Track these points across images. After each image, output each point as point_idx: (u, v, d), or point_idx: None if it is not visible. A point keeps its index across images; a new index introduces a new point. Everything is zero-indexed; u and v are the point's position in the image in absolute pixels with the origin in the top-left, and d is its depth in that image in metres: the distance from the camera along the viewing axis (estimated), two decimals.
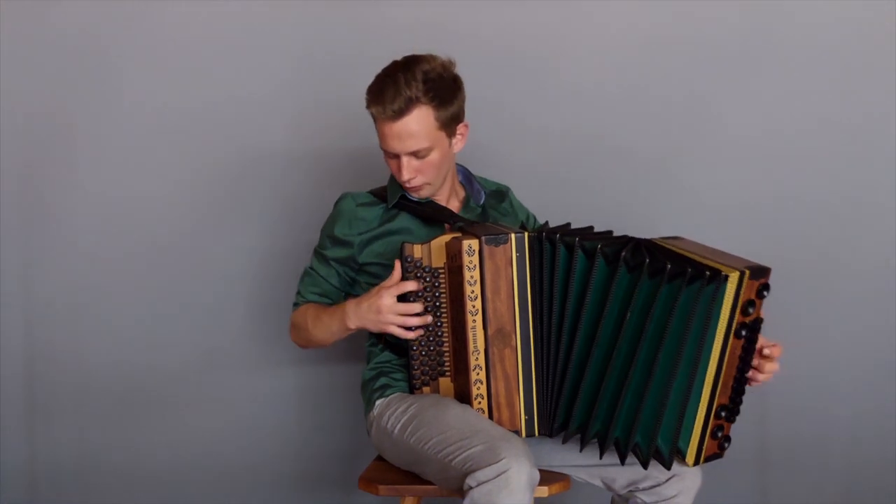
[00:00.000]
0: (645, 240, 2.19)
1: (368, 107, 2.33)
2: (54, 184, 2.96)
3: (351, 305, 2.31)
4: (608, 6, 2.96)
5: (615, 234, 2.27)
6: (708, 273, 2.04)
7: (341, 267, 2.46)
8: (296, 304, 2.49)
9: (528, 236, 2.19)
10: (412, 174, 2.35)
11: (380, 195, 2.48)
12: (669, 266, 2.07)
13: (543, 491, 2.27)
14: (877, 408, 3.00)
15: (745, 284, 2.05)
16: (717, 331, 2.08)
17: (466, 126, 2.41)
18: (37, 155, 2.96)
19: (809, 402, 3.01)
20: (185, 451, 3.01)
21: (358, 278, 2.47)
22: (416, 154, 2.33)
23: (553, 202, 2.83)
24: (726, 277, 2.04)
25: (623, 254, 2.12)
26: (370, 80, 2.35)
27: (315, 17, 2.95)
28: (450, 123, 2.35)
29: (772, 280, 2.91)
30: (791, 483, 3.03)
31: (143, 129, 2.96)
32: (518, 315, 2.19)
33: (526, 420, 2.21)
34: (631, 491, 2.31)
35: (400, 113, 2.28)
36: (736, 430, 2.93)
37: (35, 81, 2.95)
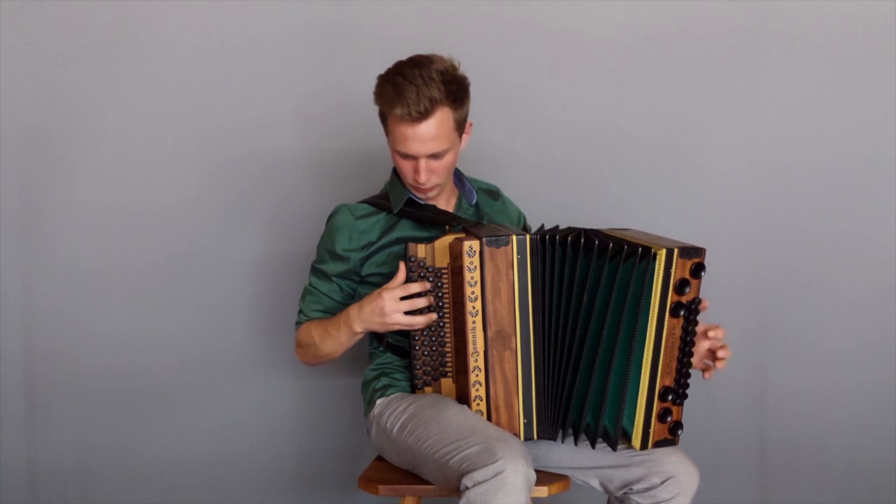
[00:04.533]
0: (592, 229, 2.26)
1: (387, 109, 2.30)
2: (54, 185, 2.96)
3: (354, 310, 2.31)
4: (608, 5, 2.96)
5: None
6: (640, 250, 2.13)
7: (343, 280, 2.44)
8: (298, 323, 2.47)
9: (530, 238, 2.20)
10: (428, 176, 2.35)
11: (376, 204, 2.46)
12: (611, 245, 2.15)
13: (543, 491, 2.28)
14: (876, 409, 3.00)
15: (675, 262, 2.12)
16: (651, 307, 2.15)
17: (471, 124, 2.42)
18: (37, 157, 2.95)
19: (809, 403, 3.01)
20: (185, 451, 3.01)
21: (360, 290, 2.45)
22: (434, 156, 2.33)
23: (551, 201, 2.84)
24: (655, 255, 2.12)
25: (581, 240, 2.19)
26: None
27: (320, 21, 2.94)
28: (462, 123, 2.36)
29: (773, 281, 2.94)
30: (791, 484, 3.03)
31: (143, 132, 2.95)
32: (518, 317, 2.19)
33: (525, 423, 2.22)
34: (626, 493, 2.31)
35: (424, 114, 2.27)
36: (736, 432, 2.96)
37: (35, 85, 2.94)
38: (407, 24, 2.94)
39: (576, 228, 2.25)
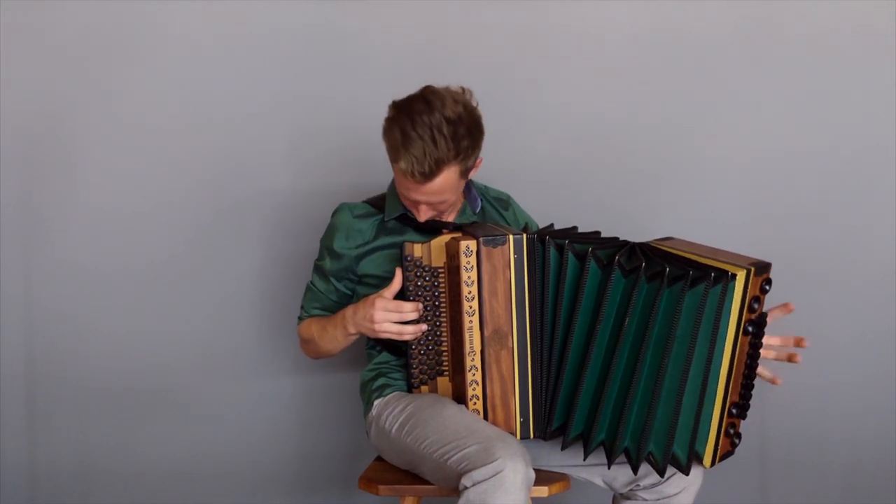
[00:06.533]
0: (639, 243, 2.19)
1: (393, 158, 2.27)
2: (55, 186, 2.96)
3: (349, 311, 2.33)
4: (608, 9, 2.95)
5: (620, 237, 2.27)
6: (713, 274, 2.02)
7: (340, 282, 2.46)
8: (300, 319, 2.52)
9: (527, 238, 2.19)
10: (429, 215, 2.37)
11: (376, 205, 2.48)
12: (668, 269, 2.05)
13: (543, 491, 2.28)
14: (876, 408, 2.99)
15: (751, 282, 2.04)
16: (728, 331, 2.06)
17: (481, 160, 2.37)
18: (38, 158, 2.96)
19: (809, 402, 3.00)
20: (185, 452, 3.01)
21: (359, 290, 2.47)
22: (436, 206, 2.35)
23: (552, 205, 2.81)
24: (734, 276, 2.02)
25: (617, 258, 2.11)
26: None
27: (317, 20, 2.94)
28: (470, 168, 2.34)
29: (772, 281, 2.93)
30: (791, 483, 3.03)
31: (143, 132, 2.95)
32: (515, 316, 2.19)
33: (521, 422, 2.21)
34: (632, 489, 2.31)
35: (429, 176, 2.24)
36: None
37: (35, 87, 2.93)
38: (413, 25, 2.93)
39: (623, 242, 2.19)
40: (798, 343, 2.24)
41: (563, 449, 2.25)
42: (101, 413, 3.01)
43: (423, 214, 2.37)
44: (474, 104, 2.30)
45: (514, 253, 2.18)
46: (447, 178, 2.27)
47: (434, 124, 2.21)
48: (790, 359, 2.24)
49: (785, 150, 2.97)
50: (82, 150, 2.97)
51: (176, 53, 2.95)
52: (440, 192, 2.29)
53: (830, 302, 2.97)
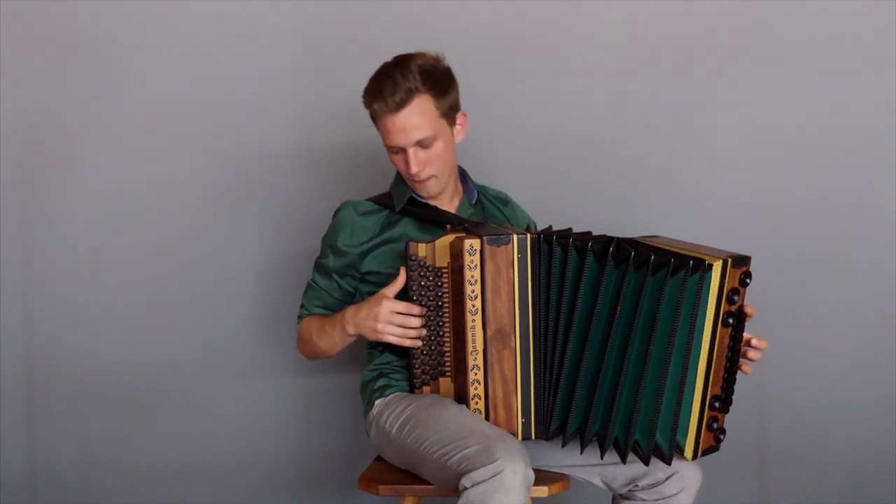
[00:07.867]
0: (625, 238, 2.22)
1: (369, 106, 2.35)
2: (54, 183, 2.97)
3: (350, 311, 2.33)
4: (605, 6, 2.95)
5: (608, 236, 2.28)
6: (691, 262, 2.07)
7: (343, 279, 2.46)
8: (300, 317, 2.51)
9: (531, 238, 2.19)
10: (420, 166, 2.36)
11: (381, 202, 2.49)
12: (653, 257, 2.10)
13: (543, 491, 2.28)
14: (876, 408, 2.99)
15: (728, 272, 2.08)
16: (706, 320, 2.10)
17: (465, 115, 2.43)
18: (37, 154, 2.96)
19: (809, 402, 3.01)
20: (185, 451, 3.01)
21: (360, 287, 2.47)
22: (421, 144, 2.34)
23: (548, 205, 2.82)
24: (710, 266, 2.07)
25: (610, 249, 2.15)
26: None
27: (316, 17, 2.95)
28: (449, 112, 2.37)
29: (773, 281, 2.94)
30: (791, 483, 3.03)
31: (143, 129, 2.96)
32: (518, 316, 2.19)
33: (523, 423, 2.21)
34: (631, 490, 2.31)
35: (401, 104, 2.30)
36: (736, 429, 2.94)
37: (34, 81, 2.94)
38: (413, 25, 2.94)
39: (609, 237, 2.21)
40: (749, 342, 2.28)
41: (563, 446, 2.25)
42: (100, 412, 3.01)
43: (414, 164, 2.35)
44: (445, 61, 2.39)
45: (518, 252, 2.18)
46: (422, 109, 2.31)
47: (402, 69, 2.32)
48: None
49: (784, 149, 2.97)
50: (82, 149, 2.97)
51: (176, 51, 2.95)
52: (418, 124, 2.32)
53: (830, 301, 2.98)
